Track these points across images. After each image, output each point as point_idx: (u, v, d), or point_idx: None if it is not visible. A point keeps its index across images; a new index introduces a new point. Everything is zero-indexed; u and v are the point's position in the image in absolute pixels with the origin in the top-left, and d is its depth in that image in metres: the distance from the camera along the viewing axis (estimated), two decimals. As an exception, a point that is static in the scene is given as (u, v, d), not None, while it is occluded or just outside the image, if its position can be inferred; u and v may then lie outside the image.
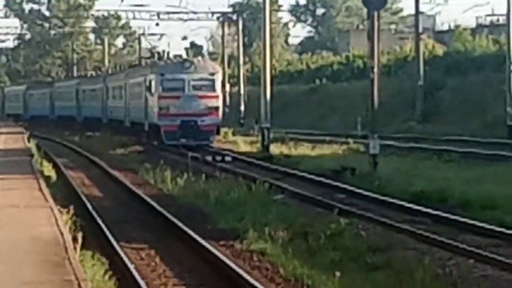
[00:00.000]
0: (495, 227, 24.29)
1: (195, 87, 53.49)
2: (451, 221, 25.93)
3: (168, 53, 68.07)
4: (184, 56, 70.39)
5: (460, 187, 31.29)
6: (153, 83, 53.54)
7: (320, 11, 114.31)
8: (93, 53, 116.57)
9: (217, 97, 53.87)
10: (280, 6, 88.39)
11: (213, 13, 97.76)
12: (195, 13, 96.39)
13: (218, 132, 52.71)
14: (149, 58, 68.17)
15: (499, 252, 20.99)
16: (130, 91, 62.63)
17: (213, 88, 54.51)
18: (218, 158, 45.78)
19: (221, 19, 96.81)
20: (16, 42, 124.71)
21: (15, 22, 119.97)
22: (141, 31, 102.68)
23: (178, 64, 56.27)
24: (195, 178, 36.71)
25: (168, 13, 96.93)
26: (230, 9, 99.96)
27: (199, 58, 66.00)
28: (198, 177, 36.98)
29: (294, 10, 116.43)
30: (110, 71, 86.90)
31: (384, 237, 23.12)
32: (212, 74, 54.76)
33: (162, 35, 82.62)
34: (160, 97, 52.90)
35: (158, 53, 67.36)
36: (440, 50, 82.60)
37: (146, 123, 55.48)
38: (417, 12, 65.04)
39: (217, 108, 53.63)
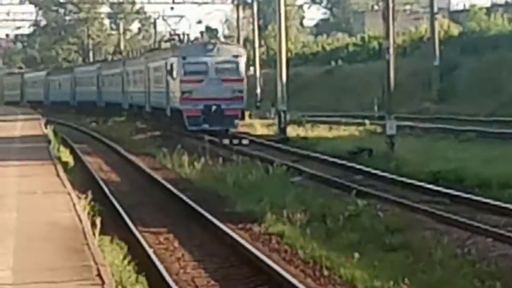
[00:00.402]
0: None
1: (218, 70, 50.52)
2: (469, 201, 25.45)
3: (188, 36, 66.64)
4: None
5: (477, 167, 30.96)
6: (174, 66, 50.64)
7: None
8: (109, 38, 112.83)
9: (241, 80, 51.56)
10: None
11: None
12: None
13: (243, 117, 50.61)
14: (169, 41, 65.85)
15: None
16: (151, 75, 59.79)
17: (237, 71, 51.70)
18: (235, 141, 45.21)
19: (236, 2, 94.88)
20: (31, 29, 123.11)
21: (30, 8, 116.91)
22: (156, 16, 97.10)
23: (200, 46, 53.64)
24: (212, 162, 36.19)
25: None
26: None
27: (222, 39, 64.01)
28: (215, 161, 36.56)
29: None
30: (129, 55, 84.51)
31: (402, 217, 22.91)
32: (236, 57, 51.74)
33: (181, 17, 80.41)
34: (182, 81, 50.33)
35: (178, 35, 65.78)
36: (455, 30, 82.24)
37: (168, 108, 53.48)
38: None
39: (241, 92, 51.33)
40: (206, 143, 41.44)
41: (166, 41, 66.66)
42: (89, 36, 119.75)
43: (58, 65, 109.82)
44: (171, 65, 51.51)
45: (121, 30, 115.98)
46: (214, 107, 48.85)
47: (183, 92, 49.53)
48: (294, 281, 16.41)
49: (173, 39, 64.51)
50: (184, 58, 50.61)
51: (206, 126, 48.68)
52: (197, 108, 49.07)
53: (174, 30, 69.89)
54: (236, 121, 50.15)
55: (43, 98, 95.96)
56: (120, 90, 71.26)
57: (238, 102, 50.02)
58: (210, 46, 51.73)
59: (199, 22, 66.50)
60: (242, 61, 51.39)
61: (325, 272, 17.95)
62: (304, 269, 18.40)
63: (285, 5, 56.23)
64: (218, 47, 51.92)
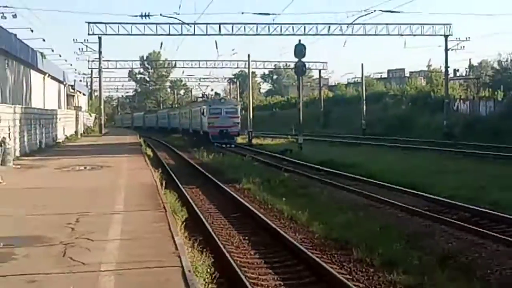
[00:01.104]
0: (355, 175, 26.93)
1: (227, 112, 54.71)
2: (335, 173, 28.61)
3: (211, 96, 74.60)
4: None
5: (340, 158, 35.14)
6: (205, 110, 56.43)
7: (275, 77, 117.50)
8: (169, 98, 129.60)
9: (238, 117, 55.67)
10: (256, 75, 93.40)
11: (225, 78, 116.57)
12: (216, 78, 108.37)
13: (238, 135, 56.21)
14: (201, 97, 74.27)
15: (358, 186, 23.57)
16: (192, 114, 66.07)
17: (236, 113, 55.94)
18: (229, 146, 52.80)
19: (228, 81, 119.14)
20: (133, 93, 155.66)
21: (132, 83, 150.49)
22: (191, 86, 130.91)
23: (218, 100, 59.90)
24: (218, 155, 40.68)
25: (205, 79, 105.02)
26: (233, 76, 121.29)
27: (228, 97, 75.09)
28: (219, 154, 41.25)
29: (263, 76, 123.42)
30: (180, 105, 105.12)
31: (305, 181, 26.35)
32: (236, 105, 58.38)
33: (206, 87, 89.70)
34: (209, 117, 54.88)
35: (206, 95, 73.94)
36: (330, 94, 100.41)
37: (201, 131, 58.72)
38: (320, 77, 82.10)
39: (238, 123, 55.11)
40: (215, 147, 49.29)
41: (199, 97, 77.57)
42: (160, 96, 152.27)
43: (148, 109, 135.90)
44: (203, 109, 57.54)
45: (175, 94, 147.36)
46: (224, 130, 53.58)
47: (209, 123, 55.06)
48: (253, 209, 18.78)
49: (203, 96, 73.48)
50: (210, 105, 56.78)
51: (220, 140, 52.66)
52: (216, 131, 53.67)
53: (204, 93, 79.71)
54: (236, 138, 55.19)
55: (142, 124, 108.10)
56: (178, 121, 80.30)
57: (237, 128, 55.37)
58: (223, 100, 60.75)
59: (212, 90, 71.99)
60: (239, 108, 58.59)
61: (270, 207, 19.86)
62: (259, 205, 20.48)
63: (251, 82, 65.69)
64: (227, 101, 62.37)
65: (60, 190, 17.14)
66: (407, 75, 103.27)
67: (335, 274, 10.94)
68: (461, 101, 61.40)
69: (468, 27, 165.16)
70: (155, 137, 76.35)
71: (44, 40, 59.88)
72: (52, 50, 52.41)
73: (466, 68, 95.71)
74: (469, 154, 37.26)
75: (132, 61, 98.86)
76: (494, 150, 37.59)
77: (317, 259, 12.07)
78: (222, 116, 55.01)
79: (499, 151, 37.26)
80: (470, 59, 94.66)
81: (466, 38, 59.13)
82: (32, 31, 43.26)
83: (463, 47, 59.28)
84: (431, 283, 10.80)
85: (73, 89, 68.47)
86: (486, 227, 15.07)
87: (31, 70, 40.67)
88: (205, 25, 51.38)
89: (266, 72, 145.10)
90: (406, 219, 16.64)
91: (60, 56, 58.78)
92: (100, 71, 62.70)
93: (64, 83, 59.05)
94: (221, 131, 54.19)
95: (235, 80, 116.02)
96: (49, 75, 48.15)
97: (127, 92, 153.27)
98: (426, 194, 20.45)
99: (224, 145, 52.54)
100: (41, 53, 45.10)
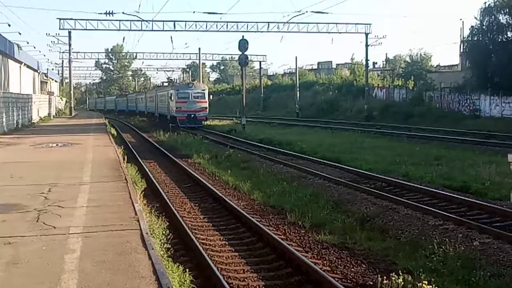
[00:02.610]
0: (290, 151, 26.95)
1: (195, 97, 46.22)
2: (273, 150, 28.35)
3: (175, 80, 67.13)
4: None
5: (277, 136, 35.13)
6: (172, 94, 47.51)
7: (222, 67, 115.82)
8: (131, 84, 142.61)
9: (206, 102, 46.81)
10: (205, 66, 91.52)
11: (179, 68, 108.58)
12: (172, 68, 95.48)
13: (206, 120, 47.74)
14: (167, 82, 61.07)
15: (292, 161, 23.43)
16: (159, 98, 56.52)
17: (204, 97, 47.00)
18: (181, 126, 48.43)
19: (182, 70, 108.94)
20: (99, 80, 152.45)
21: (98, 72, 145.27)
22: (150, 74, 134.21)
23: (185, 85, 49.16)
24: (173, 134, 39.23)
25: (162, 69, 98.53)
26: (186, 67, 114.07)
27: (196, 81, 59.04)
28: (174, 134, 39.41)
29: (212, 67, 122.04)
30: (144, 90, 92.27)
31: (247, 156, 25.86)
32: (203, 90, 47.77)
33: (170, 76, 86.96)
34: (176, 102, 46.42)
35: (171, 80, 61.92)
36: (269, 82, 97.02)
37: (169, 115, 49.56)
38: (260, 67, 76.59)
39: (206, 108, 46.88)
40: (170, 127, 44.85)
41: (166, 82, 61.55)
42: (123, 83, 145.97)
43: (119, 94, 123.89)
44: (171, 93, 48.44)
45: (136, 81, 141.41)
46: (192, 115, 45.59)
47: (177, 108, 46.67)
48: (203, 180, 18.76)
49: (171, 81, 60.09)
50: (177, 90, 47.61)
51: (188, 124, 44.98)
52: (184, 116, 45.41)
53: (169, 77, 66.62)
54: (203, 122, 46.51)
55: (114, 108, 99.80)
56: (144, 105, 68.60)
57: (204, 113, 46.57)
58: (190, 85, 48.36)
59: (168, 78, 66.33)
60: (206, 92, 47.87)
61: (217, 178, 20.19)
62: (208, 177, 20.67)
63: (202, 72, 60.19)
64: (194, 85, 48.66)
65: (35, 164, 16.95)
66: (334, 66, 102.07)
67: (272, 234, 11.08)
68: (379, 89, 62.63)
69: (385, 27, 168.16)
70: (124, 120, 72.92)
71: (20, 33, 60.26)
72: (27, 42, 51.72)
73: (383, 61, 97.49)
74: (386, 134, 37.55)
75: (98, 52, 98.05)
76: (407, 131, 37.93)
77: (257, 222, 12.15)
78: (190, 101, 47.33)
79: (410, 131, 37.62)
80: (386, 54, 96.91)
81: (383, 36, 62.36)
82: (9, 25, 42.66)
83: (381, 43, 61.00)
84: (353, 242, 11.05)
85: (46, 76, 67.18)
86: (399, 195, 15.28)
87: (9, 60, 39.60)
88: (162, 22, 50.91)
89: (215, 63, 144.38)
90: (333, 188, 16.69)
91: (34, 47, 58.16)
92: (70, 61, 61.82)
93: (38, 71, 57.91)
94: (189, 115, 46.82)
95: (188, 70, 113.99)
96: (25, 64, 46.98)
97: (94, 80, 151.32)
98: (350, 167, 20.65)
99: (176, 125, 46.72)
100: (18, 45, 44.45)
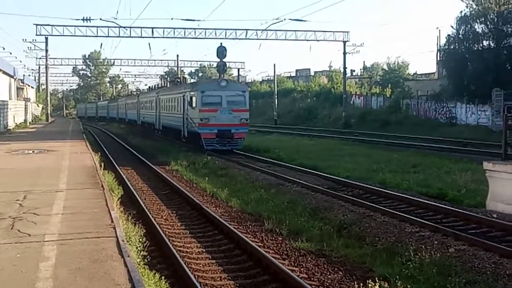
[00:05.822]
0: (268, 159, 26.81)
1: (230, 102, 29.35)
2: (251, 157, 28.04)
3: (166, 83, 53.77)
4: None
5: (255, 143, 34.23)
6: (194, 98, 29.69)
7: (200, 74, 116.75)
8: (108, 91, 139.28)
9: (247, 110, 30.20)
10: (184, 72, 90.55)
11: (157, 74, 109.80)
12: (150, 75, 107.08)
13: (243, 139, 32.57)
14: (171, 82, 47.70)
15: (270, 168, 23.37)
16: (164, 104, 38.91)
17: (244, 104, 30.11)
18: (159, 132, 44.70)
19: (160, 77, 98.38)
20: (76, 87, 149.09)
21: (75, 78, 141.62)
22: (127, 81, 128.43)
23: (215, 83, 31.00)
24: (150, 141, 38.48)
25: (140, 75, 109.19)
26: (164, 73, 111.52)
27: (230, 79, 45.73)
28: (151, 139, 39.11)
29: (190, 73, 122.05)
30: (122, 96, 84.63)
31: (226, 163, 25.58)
32: (243, 91, 30.54)
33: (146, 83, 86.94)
34: (200, 110, 29.24)
35: (179, 79, 45.68)
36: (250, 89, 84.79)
37: (185, 130, 32.31)
38: (238, 74, 63.24)
39: (247, 120, 30.06)
40: (150, 133, 44.00)
41: (170, 81, 48.95)
42: (101, 90, 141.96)
43: (98, 101, 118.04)
44: (190, 96, 30.41)
45: (114, 88, 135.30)
46: (226, 131, 29.46)
47: (201, 119, 29.53)
48: (180, 187, 18.58)
49: (177, 80, 44.81)
50: (202, 91, 29.81)
51: (219, 146, 29.40)
52: (213, 133, 29.35)
53: (176, 77, 54.28)
54: (241, 143, 30.13)
55: (95, 114, 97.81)
56: (136, 113, 53.74)
57: (244, 128, 30.16)
58: (223, 83, 29.83)
59: (146, 85, 64.62)
60: (247, 95, 30.73)
61: (194, 185, 19.95)
62: (186, 184, 20.45)
63: (183, 78, 48.76)
64: (229, 83, 31.10)
65: (10, 170, 16.74)
66: (312, 74, 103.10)
67: (249, 242, 11.03)
68: (357, 96, 63.33)
69: (363, 35, 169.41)
70: (107, 127, 69.57)
71: (-5, 40, 59.04)
72: (4, 48, 51.62)
73: (361, 69, 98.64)
74: (364, 141, 37.66)
75: (75, 59, 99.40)
76: (384, 138, 38.34)
77: (234, 230, 12.13)
78: (223, 108, 30.08)
79: (388, 138, 38.07)
80: (364, 61, 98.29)
81: (361, 44, 60.90)
82: (-15, 31, 42.90)
83: (359, 51, 60.74)
84: (330, 249, 10.99)
85: (23, 82, 66.92)
86: (376, 202, 15.35)
87: (-16, 66, 40.11)
88: (140, 28, 50.76)
89: (193, 70, 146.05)
90: (310, 195, 16.66)
91: (10, 53, 58.20)
92: (46, 67, 61.51)
93: (14, 77, 57.53)
94: (221, 132, 29.82)
95: (166, 77, 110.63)
96: (0, 70, 46.41)
97: (71, 86, 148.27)
98: (327, 175, 20.69)
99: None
100: (-7, 51, 44.67)
